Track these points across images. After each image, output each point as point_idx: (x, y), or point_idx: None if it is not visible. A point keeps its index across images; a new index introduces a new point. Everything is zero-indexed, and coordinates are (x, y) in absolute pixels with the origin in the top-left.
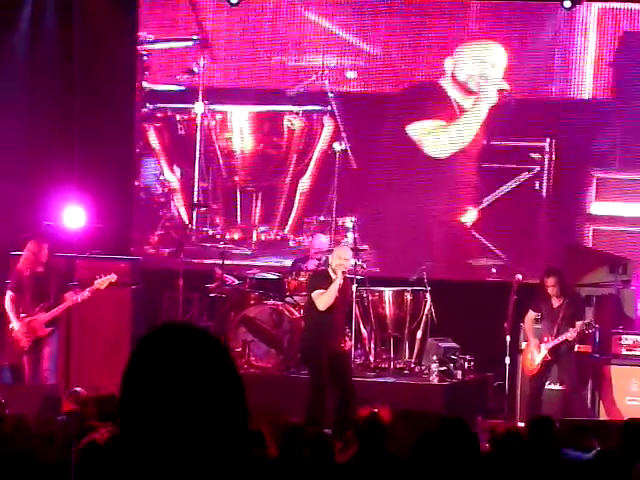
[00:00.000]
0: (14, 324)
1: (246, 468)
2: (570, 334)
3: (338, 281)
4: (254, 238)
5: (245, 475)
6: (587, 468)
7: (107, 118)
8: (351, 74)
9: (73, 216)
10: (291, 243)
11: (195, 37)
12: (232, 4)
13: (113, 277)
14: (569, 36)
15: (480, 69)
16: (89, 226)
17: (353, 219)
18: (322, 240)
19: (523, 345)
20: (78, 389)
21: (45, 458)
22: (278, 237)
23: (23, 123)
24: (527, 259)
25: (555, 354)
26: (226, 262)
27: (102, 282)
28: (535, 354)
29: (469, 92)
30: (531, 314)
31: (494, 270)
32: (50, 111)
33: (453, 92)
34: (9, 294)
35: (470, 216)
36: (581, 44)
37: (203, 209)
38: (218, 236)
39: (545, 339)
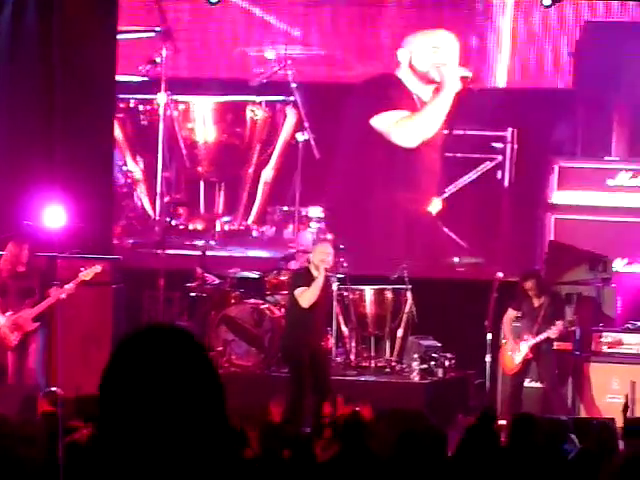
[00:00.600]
0: (0, 320)
1: (225, 467)
2: (552, 332)
3: (321, 278)
4: (217, 228)
5: (224, 474)
6: (569, 467)
7: (87, 115)
8: (312, 64)
9: (53, 215)
10: (254, 233)
11: (158, 28)
12: (211, 3)
13: (97, 268)
14: (527, 25)
15: (438, 57)
16: (69, 225)
17: (320, 209)
18: (307, 237)
19: (504, 343)
20: (55, 389)
21: (26, 459)
22: (242, 227)
23: (3, 121)
24: (490, 249)
25: (536, 352)
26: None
27: (87, 274)
28: (515, 352)
29: (430, 81)
30: (511, 313)
31: (462, 269)
32: (30, 110)
33: (412, 83)
34: None
35: (434, 206)
36: (541, 33)
37: (181, 210)
38: (181, 227)
39: (525, 337)
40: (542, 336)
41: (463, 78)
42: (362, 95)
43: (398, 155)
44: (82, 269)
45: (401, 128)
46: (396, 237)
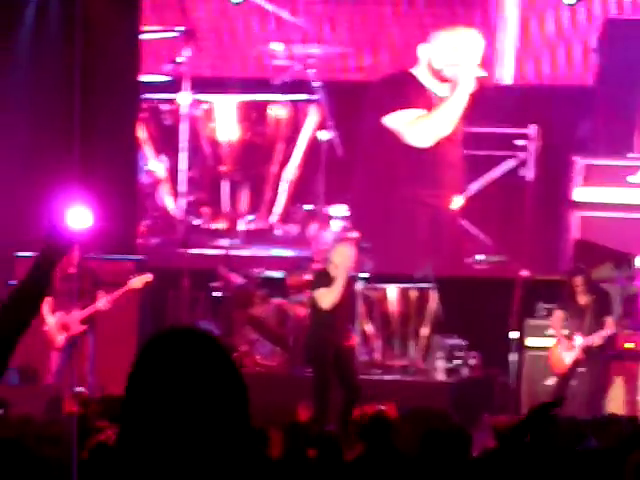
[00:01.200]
0: (48, 319)
1: (250, 468)
2: (594, 339)
3: (342, 279)
4: (241, 227)
5: (249, 475)
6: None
7: (111, 115)
8: (334, 63)
9: (77, 216)
10: (278, 232)
11: (181, 27)
12: (234, 3)
13: (149, 277)
14: (549, 22)
15: (457, 56)
16: (93, 226)
17: (343, 207)
18: (327, 237)
19: (528, 342)
20: (81, 389)
21: (50, 459)
22: (265, 226)
23: (25, 122)
24: (513, 247)
25: (587, 354)
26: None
27: (137, 282)
28: (567, 353)
29: (445, 79)
30: (559, 313)
31: (486, 266)
32: (53, 110)
33: (428, 80)
34: (46, 299)
35: (457, 203)
36: (564, 30)
37: (205, 209)
38: (205, 226)
39: (575, 336)
40: (590, 340)
41: (479, 78)
42: (379, 93)
43: (420, 152)
44: (131, 277)
45: (414, 128)
46: (420, 235)
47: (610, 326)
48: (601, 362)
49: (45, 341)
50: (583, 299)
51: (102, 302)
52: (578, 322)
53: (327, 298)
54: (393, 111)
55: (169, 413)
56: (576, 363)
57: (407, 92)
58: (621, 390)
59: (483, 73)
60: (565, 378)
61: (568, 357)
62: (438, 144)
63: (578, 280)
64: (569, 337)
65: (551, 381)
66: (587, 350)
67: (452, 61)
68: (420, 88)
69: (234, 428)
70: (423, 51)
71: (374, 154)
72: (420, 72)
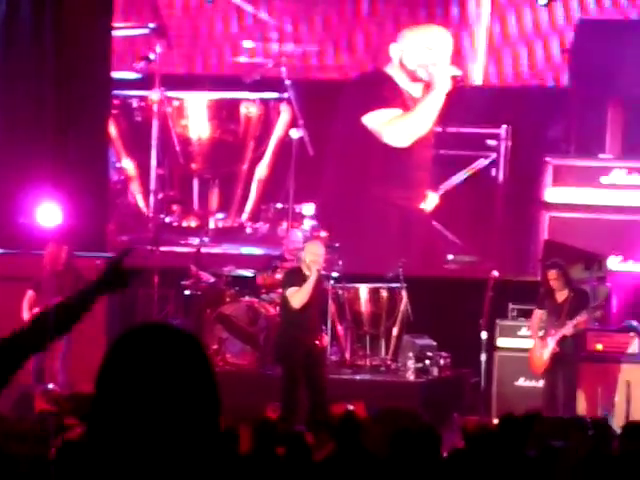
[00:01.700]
0: (25, 315)
1: (218, 465)
2: (567, 329)
3: (313, 278)
4: (211, 225)
5: (217, 472)
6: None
7: (82, 112)
8: (305, 61)
9: (47, 213)
10: (248, 230)
11: (151, 24)
12: (208, 1)
13: None
14: (519, 23)
15: (429, 56)
16: (63, 223)
17: (312, 206)
18: (298, 236)
19: (498, 342)
20: (51, 386)
21: (18, 456)
22: (235, 224)
23: None
24: (484, 247)
25: (561, 347)
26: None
27: None
28: (544, 349)
29: (419, 79)
30: (537, 312)
31: (457, 267)
32: (24, 106)
33: (402, 80)
34: (29, 293)
35: (429, 203)
36: (534, 30)
37: (175, 207)
38: (175, 224)
39: (552, 333)
40: (562, 331)
41: (454, 77)
42: (353, 92)
43: (391, 152)
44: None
45: (392, 127)
46: (390, 235)
47: (583, 316)
48: (575, 363)
49: None
50: (561, 296)
51: None
52: (555, 319)
53: (298, 297)
54: (369, 110)
55: (140, 409)
56: (554, 357)
57: (383, 91)
58: (593, 392)
59: (458, 72)
60: (548, 375)
61: (546, 353)
62: (412, 144)
63: (553, 273)
64: (544, 337)
65: (522, 381)
66: (561, 343)
67: (424, 61)
68: (395, 87)
69: (205, 425)
70: (394, 50)
71: (346, 153)
72: (393, 71)
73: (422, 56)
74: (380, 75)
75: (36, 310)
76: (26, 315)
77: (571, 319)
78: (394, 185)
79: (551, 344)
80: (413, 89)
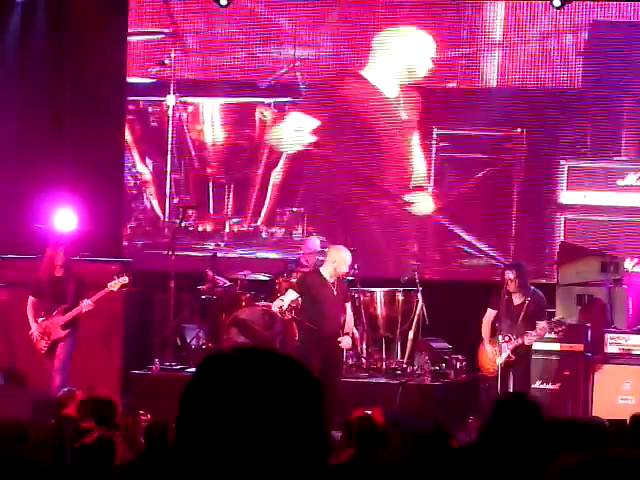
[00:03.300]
0: (32, 325)
1: None
2: (528, 339)
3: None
4: (227, 230)
5: None
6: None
7: (98, 117)
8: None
9: (64, 218)
10: (264, 234)
11: (167, 30)
12: (221, 5)
13: (125, 279)
14: (535, 25)
15: (402, 58)
16: (79, 228)
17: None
18: (315, 242)
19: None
20: (74, 389)
21: (38, 461)
22: (251, 228)
23: (13, 124)
24: (500, 250)
25: (516, 354)
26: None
27: (115, 284)
28: (497, 355)
29: (390, 82)
30: (490, 312)
31: (472, 270)
32: (40, 112)
33: (377, 82)
34: (30, 299)
35: (423, 205)
36: (553, 32)
37: (191, 212)
38: (190, 228)
39: (507, 338)
40: (520, 340)
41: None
42: (349, 95)
43: (400, 155)
44: (115, 277)
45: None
46: (406, 239)
47: (543, 330)
48: (528, 363)
49: (31, 345)
50: (517, 299)
51: (84, 305)
52: (510, 323)
53: (277, 303)
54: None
55: (226, 441)
56: (507, 365)
57: (360, 93)
58: (609, 393)
59: (420, 74)
60: (502, 377)
61: (500, 359)
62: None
63: (510, 273)
64: (496, 342)
65: (538, 384)
66: (515, 351)
67: (398, 63)
68: (371, 89)
69: (312, 468)
70: (371, 53)
71: (361, 157)
72: (368, 74)
73: (394, 58)
74: (356, 77)
75: (41, 319)
76: (32, 322)
77: (529, 328)
78: (406, 188)
79: (506, 352)
80: (389, 91)
